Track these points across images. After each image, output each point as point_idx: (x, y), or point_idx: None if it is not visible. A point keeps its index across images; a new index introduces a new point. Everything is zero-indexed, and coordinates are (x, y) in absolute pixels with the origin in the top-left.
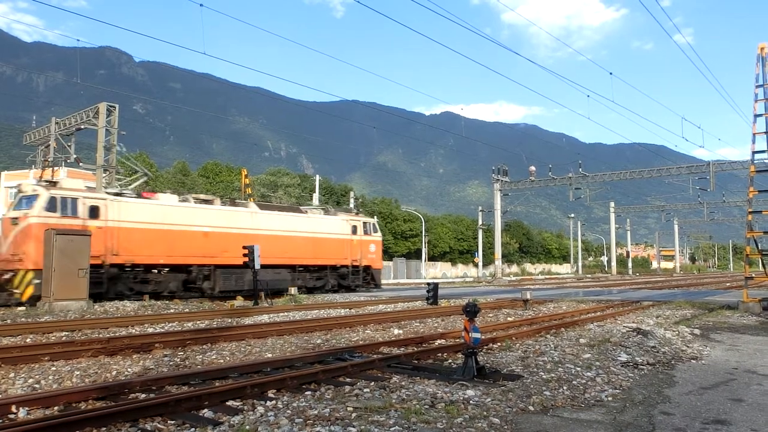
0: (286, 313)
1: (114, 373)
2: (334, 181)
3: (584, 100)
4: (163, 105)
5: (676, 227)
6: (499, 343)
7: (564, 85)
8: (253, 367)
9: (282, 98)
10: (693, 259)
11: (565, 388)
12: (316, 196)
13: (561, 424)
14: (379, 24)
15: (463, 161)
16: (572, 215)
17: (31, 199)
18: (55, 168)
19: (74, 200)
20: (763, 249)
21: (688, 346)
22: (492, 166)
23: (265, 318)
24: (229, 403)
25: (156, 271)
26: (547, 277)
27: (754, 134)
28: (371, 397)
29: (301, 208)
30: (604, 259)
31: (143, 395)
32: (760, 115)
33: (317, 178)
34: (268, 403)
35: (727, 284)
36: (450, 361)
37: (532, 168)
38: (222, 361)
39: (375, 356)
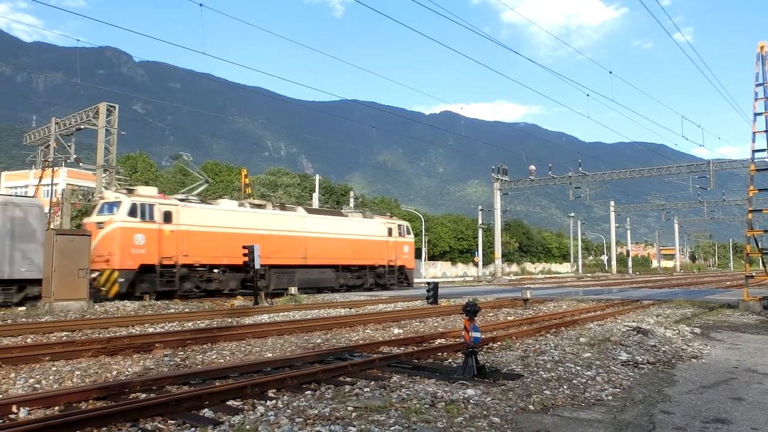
0: (286, 313)
1: (114, 373)
2: (333, 180)
3: (584, 99)
4: (163, 105)
5: (676, 226)
6: (499, 343)
7: (564, 84)
8: (254, 366)
9: (282, 98)
10: (693, 258)
11: (565, 387)
12: (315, 195)
13: (561, 423)
14: (379, 24)
15: (462, 160)
16: (572, 214)
17: (113, 205)
18: (55, 168)
19: (151, 206)
20: (764, 248)
21: (688, 345)
22: (492, 165)
23: (265, 318)
24: (230, 402)
25: (218, 270)
26: (547, 276)
27: (754, 133)
28: (371, 397)
29: (342, 211)
30: (604, 258)
31: (143, 395)
32: (760, 114)
33: (317, 177)
34: (269, 402)
35: (728, 283)
36: (450, 360)
37: (532, 167)
38: (222, 360)
39: (375, 356)
